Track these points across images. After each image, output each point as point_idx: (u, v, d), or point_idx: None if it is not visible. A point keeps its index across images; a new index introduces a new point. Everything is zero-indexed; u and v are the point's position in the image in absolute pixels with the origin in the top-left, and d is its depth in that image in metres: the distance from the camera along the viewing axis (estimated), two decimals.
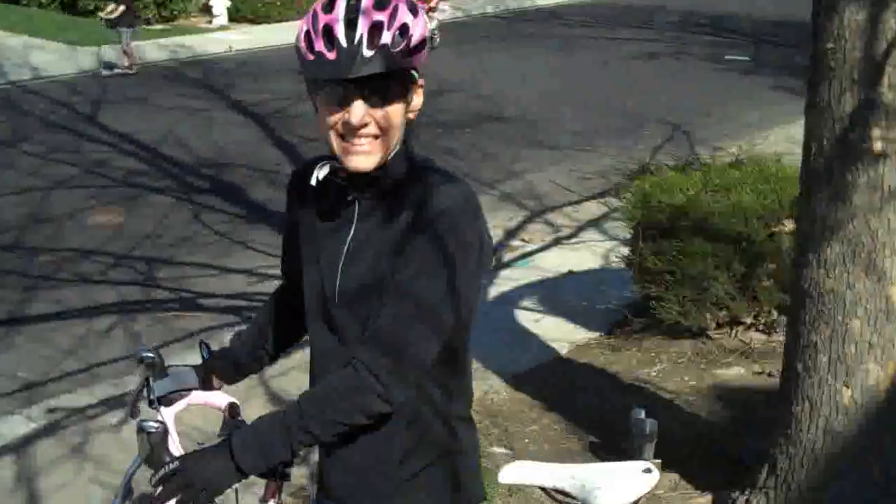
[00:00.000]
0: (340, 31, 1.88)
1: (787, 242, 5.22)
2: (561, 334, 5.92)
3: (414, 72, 1.96)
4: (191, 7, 18.85)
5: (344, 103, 1.91)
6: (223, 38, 17.26)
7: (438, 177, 2.00)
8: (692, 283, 5.25)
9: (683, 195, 5.32)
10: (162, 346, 5.75)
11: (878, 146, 3.19)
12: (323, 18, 1.92)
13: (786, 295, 5.26)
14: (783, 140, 10.51)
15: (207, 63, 15.48)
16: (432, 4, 16.41)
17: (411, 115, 2.01)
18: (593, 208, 8.53)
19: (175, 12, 18.39)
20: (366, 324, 1.97)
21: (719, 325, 5.49)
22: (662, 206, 5.34)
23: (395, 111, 1.94)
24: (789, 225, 5.22)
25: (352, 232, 2.03)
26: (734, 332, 5.50)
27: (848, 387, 3.35)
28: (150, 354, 2.25)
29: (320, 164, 2.00)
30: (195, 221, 8.21)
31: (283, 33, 17.43)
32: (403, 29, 1.91)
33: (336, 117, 1.92)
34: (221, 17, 18.49)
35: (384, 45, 1.88)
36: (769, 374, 5.06)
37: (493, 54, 16.61)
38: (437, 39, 16.05)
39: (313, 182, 1.98)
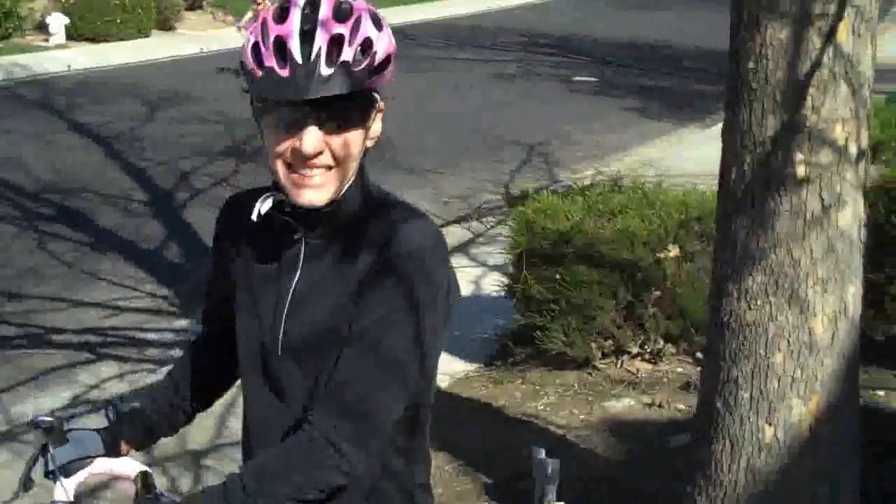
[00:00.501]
0: (295, 45, 1.61)
1: (672, 268, 5.13)
2: (438, 367, 5.63)
3: (375, 94, 1.70)
4: (26, 25, 17.81)
5: (295, 128, 1.64)
6: (62, 56, 16.36)
7: (401, 212, 1.74)
8: (578, 312, 5.06)
9: (568, 221, 5.13)
10: (9, 388, 5.24)
11: (801, 171, 3.03)
12: (274, 29, 1.63)
13: (671, 322, 5.17)
14: (638, 162, 10.61)
15: (46, 83, 14.61)
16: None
17: (370, 143, 1.74)
18: (458, 233, 8.30)
19: (9, 30, 17.34)
20: (316, 380, 1.69)
21: (604, 355, 5.33)
22: (546, 232, 5.14)
23: (354, 138, 1.68)
24: (674, 250, 5.12)
25: (297, 275, 1.75)
26: (620, 361, 5.35)
27: (770, 424, 3.18)
28: (48, 419, 1.89)
29: (263, 197, 1.71)
30: (40, 251, 7.55)
31: (125, 52, 16.72)
32: (366, 44, 1.64)
33: (285, 144, 1.65)
34: (59, 35, 17.52)
35: (344, 63, 1.61)
36: (659, 406, 4.93)
37: None
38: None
39: (254, 217, 1.70)
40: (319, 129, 1.64)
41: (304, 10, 1.64)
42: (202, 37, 19.19)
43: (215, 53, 18.04)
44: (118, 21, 17.92)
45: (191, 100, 13.45)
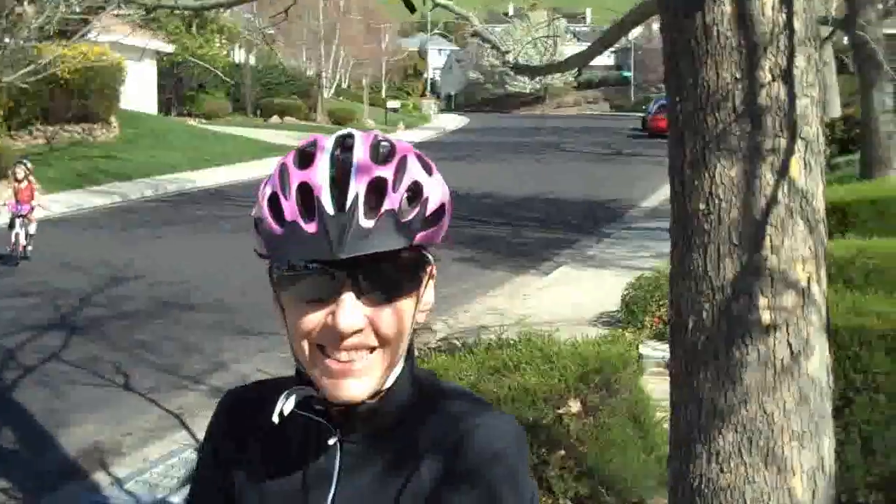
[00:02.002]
0: (325, 193, 1.25)
1: (574, 425, 4.84)
2: None
3: (427, 252, 1.33)
4: None
5: (327, 300, 1.25)
6: None
7: (467, 404, 1.36)
8: None
9: (463, 381, 4.79)
10: None
11: (766, 317, 2.81)
12: (298, 175, 1.27)
13: (579, 483, 4.83)
14: (485, 312, 10.46)
15: None
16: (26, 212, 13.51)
17: (420, 317, 1.35)
18: None
19: None
20: None
21: None
22: None
23: (403, 311, 1.30)
24: (576, 405, 4.84)
25: (332, 491, 1.33)
26: None
27: None
28: None
29: (287, 393, 1.32)
30: None
31: None
32: (415, 189, 1.28)
33: (314, 321, 1.27)
34: None
35: (389, 212, 1.25)
36: None
37: (164, 240, 15.67)
38: (30, 250, 13.40)
39: (275, 419, 1.30)
40: (358, 299, 1.26)
41: (333, 151, 1.29)
42: None
43: None
44: None
45: (3, 271, 12.58)
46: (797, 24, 2.80)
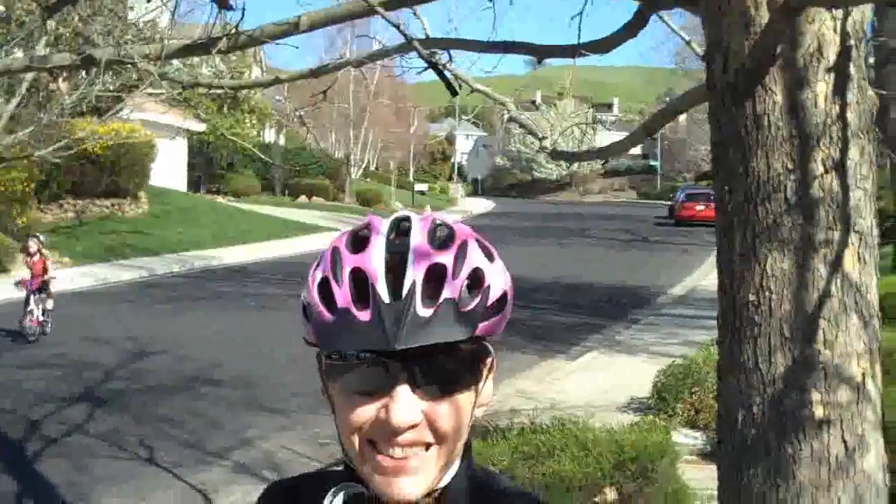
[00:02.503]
0: (380, 280, 1.19)
1: None
2: None
3: (487, 344, 1.26)
4: None
5: (380, 392, 1.19)
6: None
7: (523, 501, 1.29)
8: None
9: (496, 466, 4.70)
10: None
11: (819, 412, 2.74)
12: (350, 260, 1.22)
13: None
14: (514, 395, 10.34)
15: None
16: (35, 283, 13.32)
17: (479, 411, 1.28)
18: None
19: None
20: None
21: None
22: None
23: (462, 405, 1.23)
24: (611, 494, 4.74)
25: None
26: None
27: None
28: None
29: (335, 490, 1.25)
30: None
31: None
32: (476, 277, 1.23)
33: (366, 414, 1.20)
34: None
35: (449, 301, 1.19)
36: None
37: (190, 315, 15.68)
38: (49, 325, 13.24)
39: None
40: (413, 392, 1.20)
41: (389, 235, 1.24)
42: None
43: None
44: None
45: (29, 343, 12.60)
46: (850, 116, 2.78)
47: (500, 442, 4.98)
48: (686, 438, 7.41)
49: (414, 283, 1.19)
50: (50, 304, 13.28)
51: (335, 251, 1.25)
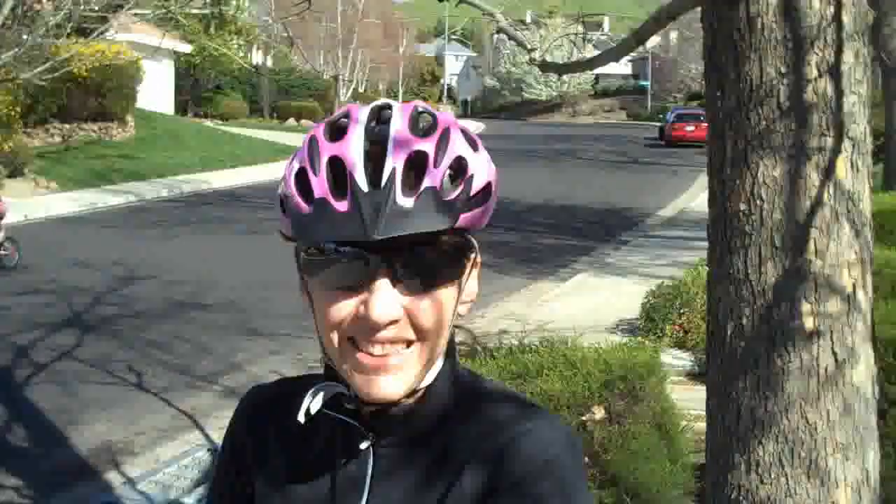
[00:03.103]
0: (358, 168, 1.11)
1: (598, 432, 4.72)
2: None
3: (470, 237, 1.20)
4: None
5: (359, 287, 1.12)
6: None
7: (514, 406, 1.23)
8: None
9: None
10: None
11: (809, 323, 2.68)
12: (329, 148, 1.14)
13: (604, 491, 4.72)
14: (503, 317, 10.32)
15: None
16: None
17: (462, 309, 1.22)
18: None
19: None
20: None
21: None
22: None
23: (444, 300, 1.17)
24: (599, 412, 4.72)
25: (364, 499, 1.21)
26: None
27: None
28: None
29: (314, 390, 1.19)
30: None
31: None
32: (459, 166, 1.15)
33: (345, 310, 1.14)
34: None
35: (430, 190, 1.12)
36: None
37: (179, 240, 15.61)
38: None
39: (301, 418, 1.18)
40: (394, 286, 1.14)
41: (368, 123, 1.17)
42: (26, 204, 18.26)
43: (42, 220, 17.13)
44: None
45: (17, 269, 12.51)
46: (845, 18, 2.68)
47: (488, 362, 4.95)
48: (674, 360, 7.42)
49: (394, 172, 1.12)
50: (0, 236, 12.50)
51: (312, 140, 1.18)
